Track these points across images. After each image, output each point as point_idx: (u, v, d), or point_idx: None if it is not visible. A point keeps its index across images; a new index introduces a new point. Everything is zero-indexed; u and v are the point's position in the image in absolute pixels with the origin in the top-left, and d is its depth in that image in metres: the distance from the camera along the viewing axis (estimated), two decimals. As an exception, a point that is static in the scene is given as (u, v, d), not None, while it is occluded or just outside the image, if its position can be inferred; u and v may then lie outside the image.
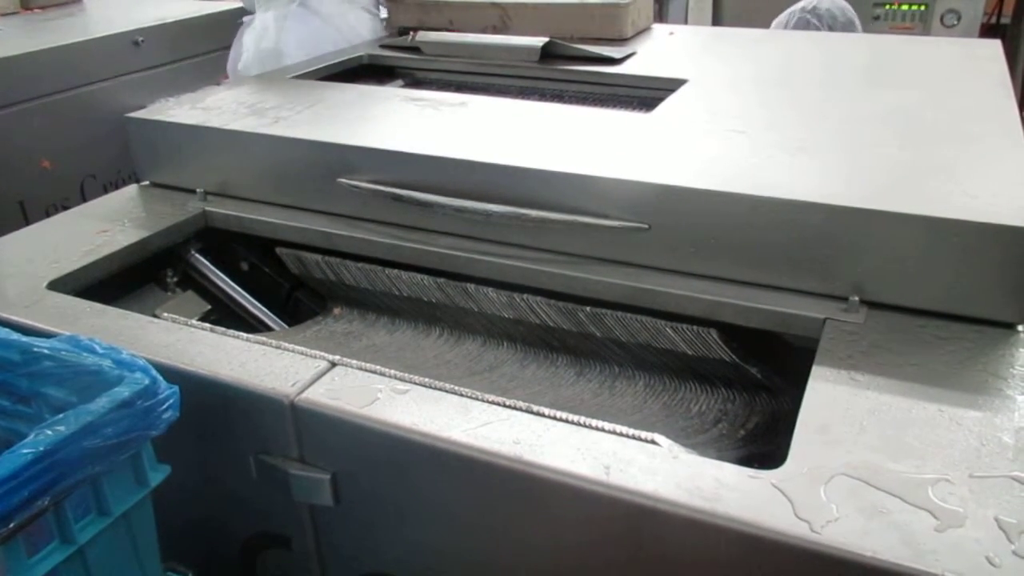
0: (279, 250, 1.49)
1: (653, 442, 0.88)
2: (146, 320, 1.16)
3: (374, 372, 1.01)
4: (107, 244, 1.36)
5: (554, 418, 0.93)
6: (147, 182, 1.62)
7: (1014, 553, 0.71)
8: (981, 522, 0.74)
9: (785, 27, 2.84)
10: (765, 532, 0.75)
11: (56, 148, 2.55)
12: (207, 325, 1.20)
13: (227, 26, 3.21)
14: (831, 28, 2.80)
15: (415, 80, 2.08)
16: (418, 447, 0.90)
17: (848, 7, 2.84)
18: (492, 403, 0.95)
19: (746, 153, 1.26)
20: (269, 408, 0.98)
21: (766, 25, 2.79)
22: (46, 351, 0.92)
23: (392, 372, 1.02)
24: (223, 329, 1.16)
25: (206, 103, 1.64)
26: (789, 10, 2.83)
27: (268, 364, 1.02)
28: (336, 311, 1.51)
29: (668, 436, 0.92)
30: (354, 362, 1.03)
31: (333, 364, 1.02)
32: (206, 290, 1.53)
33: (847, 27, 2.83)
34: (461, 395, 0.97)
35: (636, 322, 1.22)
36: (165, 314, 1.31)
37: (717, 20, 3.96)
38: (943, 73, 1.70)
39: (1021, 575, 0.69)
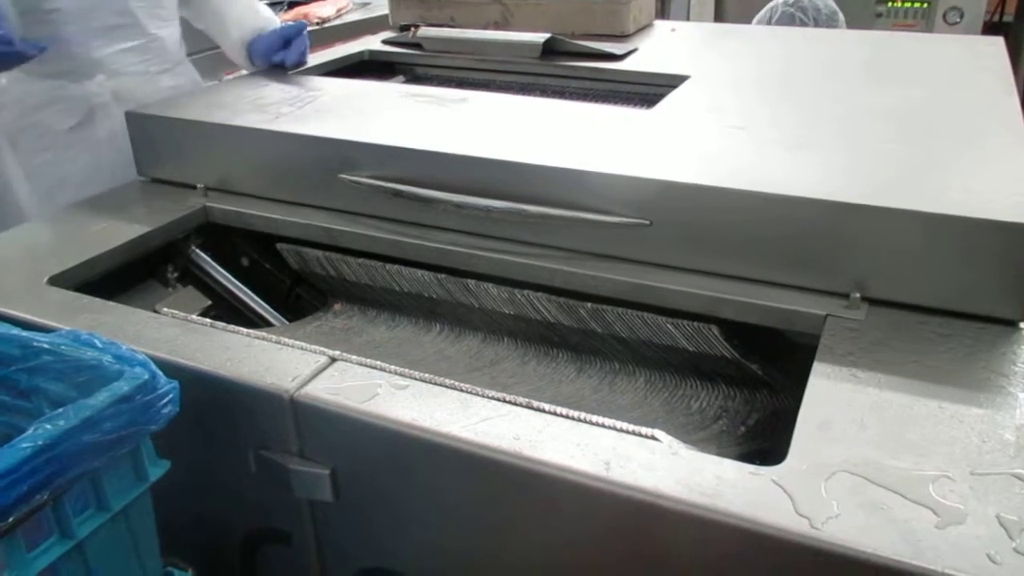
0: (280, 246, 1.48)
1: (653, 438, 0.88)
2: (146, 315, 1.16)
3: (374, 368, 1.01)
4: (107, 239, 1.36)
5: (554, 414, 0.93)
6: (148, 177, 1.61)
7: (1015, 550, 0.70)
8: (982, 519, 0.74)
9: (769, 22, 2.82)
10: (765, 528, 0.75)
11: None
12: (207, 320, 1.20)
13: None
14: (815, 20, 2.78)
15: (416, 76, 2.08)
16: (418, 442, 0.90)
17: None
18: (492, 399, 0.95)
19: (747, 149, 1.26)
20: (269, 403, 0.98)
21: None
22: (46, 346, 0.92)
23: (392, 368, 1.02)
24: (223, 324, 1.16)
25: (207, 99, 1.64)
26: (770, 5, 2.83)
27: (268, 359, 1.02)
28: (336, 307, 1.50)
29: (669, 432, 0.92)
30: (354, 358, 1.03)
31: (333, 360, 1.02)
32: (206, 285, 1.53)
33: (831, 18, 2.83)
34: (461, 391, 0.97)
35: (637, 318, 1.22)
36: (165, 309, 1.31)
37: (719, 17, 3.96)
38: (945, 70, 1.70)
39: (1022, 572, 0.68)
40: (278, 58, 1.85)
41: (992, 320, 1.02)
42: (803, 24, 2.77)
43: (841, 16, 2.86)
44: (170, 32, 1.92)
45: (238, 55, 1.94)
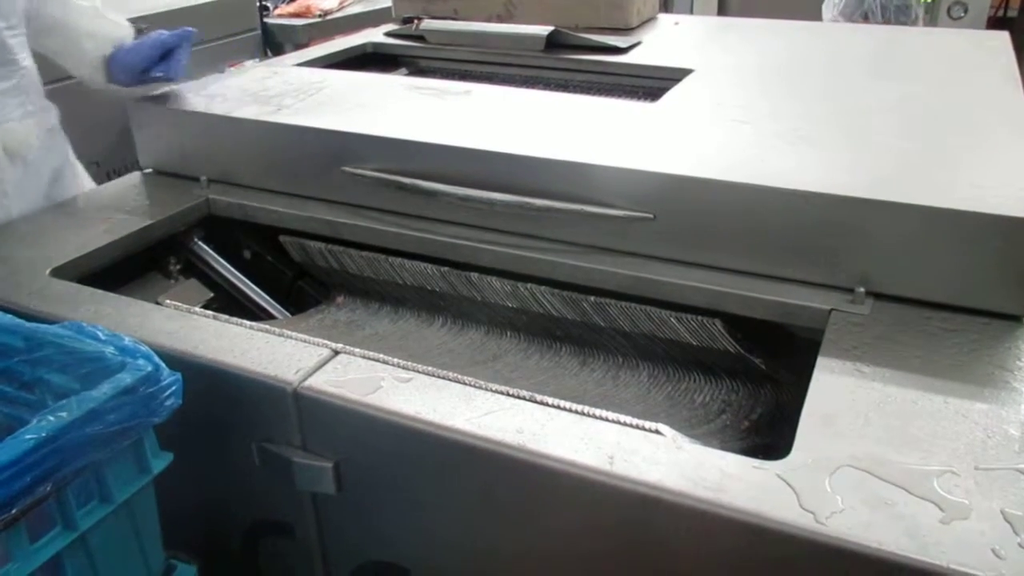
0: (282, 238, 1.48)
1: (657, 432, 0.88)
2: (149, 307, 1.15)
3: (377, 360, 1.01)
4: (110, 231, 1.36)
5: (557, 407, 0.92)
6: (150, 169, 1.61)
7: (1020, 545, 0.70)
8: (986, 514, 0.74)
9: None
10: (769, 523, 0.74)
11: (59, 136, 2.54)
12: (210, 313, 1.19)
13: (232, 14, 3.20)
14: (883, 7, 2.84)
15: (419, 69, 2.08)
16: (421, 435, 0.90)
17: None
18: (495, 392, 0.95)
19: (751, 143, 1.25)
20: (272, 396, 0.97)
21: (772, 15, 2.78)
22: (49, 338, 0.92)
23: (395, 361, 1.01)
24: (226, 317, 1.16)
25: (209, 91, 1.63)
26: None
27: (271, 352, 1.02)
28: (339, 299, 1.50)
29: (672, 426, 0.92)
30: (357, 350, 1.03)
31: (336, 352, 1.02)
32: (209, 278, 1.53)
33: (902, 11, 2.89)
34: (464, 384, 0.96)
35: (640, 312, 1.21)
36: (168, 301, 1.31)
37: (723, 10, 3.95)
38: (950, 64, 1.69)
39: (1027, 567, 0.68)
40: (158, 72, 1.53)
41: (997, 315, 1.02)
42: (871, 10, 2.83)
43: (915, 10, 2.93)
44: (31, 60, 1.55)
45: (93, 71, 1.57)
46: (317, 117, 1.44)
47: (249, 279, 1.54)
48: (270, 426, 1.00)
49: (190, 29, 1.57)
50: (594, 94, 1.80)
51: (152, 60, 1.52)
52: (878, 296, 1.06)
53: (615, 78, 1.82)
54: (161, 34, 1.54)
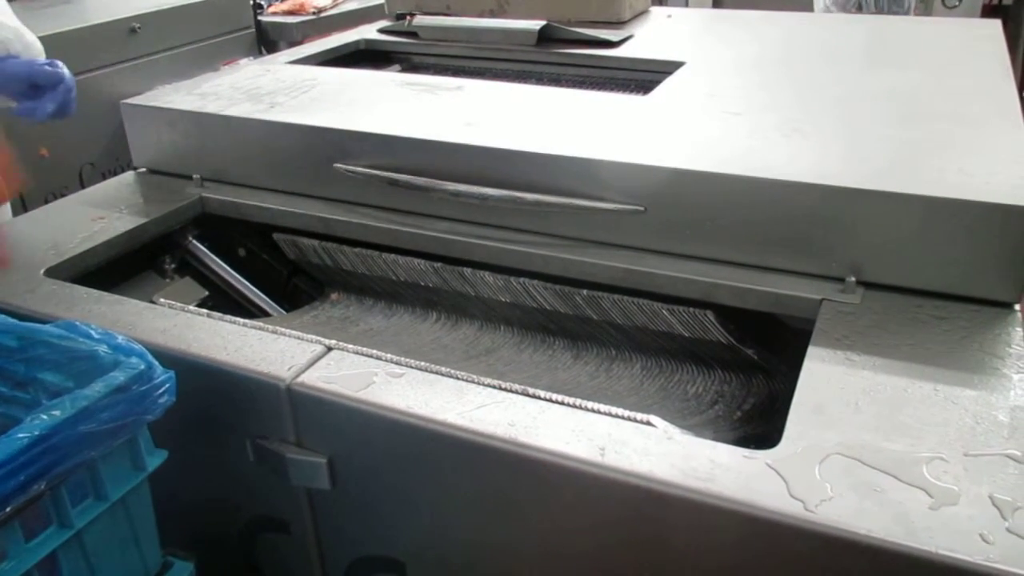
0: (276, 236, 1.48)
1: (648, 423, 0.89)
2: (143, 306, 1.16)
3: (370, 356, 1.01)
4: (104, 231, 1.36)
5: (549, 400, 0.93)
6: (144, 169, 1.61)
7: (1008, 530, 0.71)
8: (975, 500, 0.74)
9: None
10: (759, 511, 0.75)
11: (54, 136, 2.55)
12: (204, 311, 1.20)
13: (225, 12, 3.21)
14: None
15: (412, 65, 2.08)
16: (414, 430, 0.90)
17: None
18: (487, 386, 0.95)
19: (743, 135, 1.25)
20: (266, 392, 0.98)
21: (766, 7, 2.79)
22: (42, 337, 0.93)
23: (388, 356, 1.02)
24: (219, 314, 1.16)
25: (203, 89, 1.64)
26: None
27: (264, 349, 1.02)
28: (333, 296, 1.51)
29: (665, 418, 0.92)
30: (350, 346, 1.03)
31: (329, 348, 1.02)
32: (204, 276, 1.53)
33: (895, 1, 2.89)
34: (456, 378, 0.97)
35: (633, 305, 1.22)
36: (162, 300, 1.31)
37: (717, 3, 3.95)
38: (943, 53, 1.69)
39: (1015, 552, 0.69)
40: (22, 108, 1.36)
41: (987, 302, 1.02)
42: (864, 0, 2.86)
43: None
44: None
45: None
46: (310, 114, 1.44)
47: (244, 277, 1.55)
48: (264, 423, 1.01)
49: (71, 80, 1.36)
50: (586, 88, 1.80)
51: (15, 82, 1.32)
52: (869, 285, 1.07)
53: (607, 72, 1.82)
54: (35, 64, 1.34)
